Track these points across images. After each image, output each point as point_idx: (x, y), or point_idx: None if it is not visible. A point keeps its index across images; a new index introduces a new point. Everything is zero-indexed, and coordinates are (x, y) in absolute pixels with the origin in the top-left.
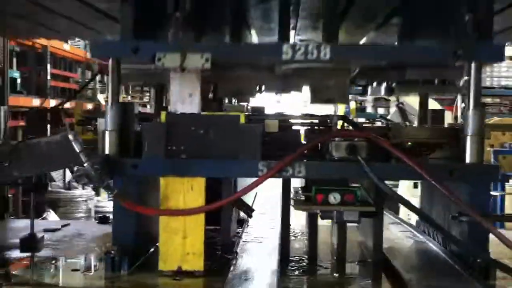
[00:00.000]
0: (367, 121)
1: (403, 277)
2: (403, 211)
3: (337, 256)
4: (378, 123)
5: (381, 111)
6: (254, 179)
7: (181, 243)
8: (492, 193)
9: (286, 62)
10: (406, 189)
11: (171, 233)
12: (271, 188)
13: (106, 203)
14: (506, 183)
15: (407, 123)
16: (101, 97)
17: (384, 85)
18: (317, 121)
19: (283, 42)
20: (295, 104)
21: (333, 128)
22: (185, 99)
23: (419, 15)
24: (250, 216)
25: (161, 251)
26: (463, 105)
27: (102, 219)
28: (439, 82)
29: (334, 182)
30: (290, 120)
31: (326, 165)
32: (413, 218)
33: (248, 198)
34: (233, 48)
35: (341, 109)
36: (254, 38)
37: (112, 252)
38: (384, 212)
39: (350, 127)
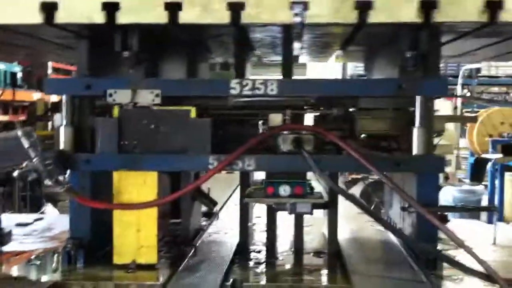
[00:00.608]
0: None
1: (347, 267)
2: None
3: (294, 247)
4: None
5: None
6: None
7: (135, 236)
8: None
9: (236, 96)
10: None
11: (124, 227)
12: None
13: None
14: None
15: None
16: None
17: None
18: None
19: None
20: None
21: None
22: None
23: (375, 48)
24: (212, 210)
25: (115, 244)
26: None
27: None
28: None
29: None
30: None
31: (275, 158)
32: None
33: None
34: (183, 84)
35: None
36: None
37: (68, 246)
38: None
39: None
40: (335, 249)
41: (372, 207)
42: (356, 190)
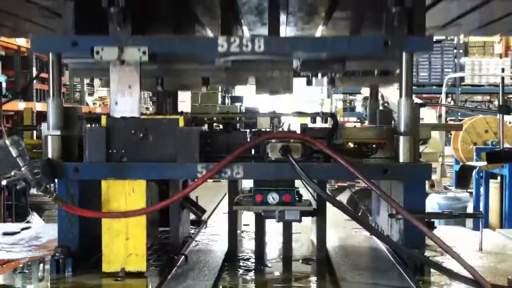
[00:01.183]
0: (357, 121)
1: (336, 274)
2: None
3: (283, 255)
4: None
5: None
6: None
7: (123, 244)
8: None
9: (223, 55)
10: None
11: (113, 235)
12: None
13: None
14: (491, 180)
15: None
16: (89, 100)
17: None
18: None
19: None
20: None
21: (279, 128)
22: (124, 90)
23: (361, 9)
24: (200, 217)
25: (104, 253)
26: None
27: None
28: (380, 73)
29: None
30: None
31: (263, 166)
32: None
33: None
34: (169, 41)
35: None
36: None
37: (57, 254)
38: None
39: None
40: (324, 256)
41: (359, 214)
42: (342, 198)
